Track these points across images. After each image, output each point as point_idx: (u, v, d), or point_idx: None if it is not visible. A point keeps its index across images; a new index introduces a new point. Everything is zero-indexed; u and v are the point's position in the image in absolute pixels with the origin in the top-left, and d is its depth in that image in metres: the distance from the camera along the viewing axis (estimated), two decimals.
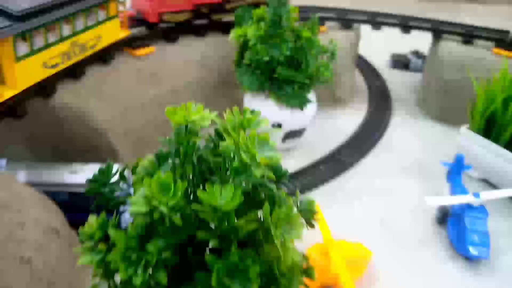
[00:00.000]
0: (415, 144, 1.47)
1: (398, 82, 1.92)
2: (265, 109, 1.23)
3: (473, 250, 0.96)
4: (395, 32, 1.70)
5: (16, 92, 0.89)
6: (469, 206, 1.02)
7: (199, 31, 1.41)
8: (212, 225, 0.45)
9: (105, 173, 0.55)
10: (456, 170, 1.15)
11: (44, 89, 1.00)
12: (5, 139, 1.01)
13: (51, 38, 0.95)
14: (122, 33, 1.19)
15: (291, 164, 1.25)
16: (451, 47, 1.57)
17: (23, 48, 0.88)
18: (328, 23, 1.61)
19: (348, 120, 1.58)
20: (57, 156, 1.05)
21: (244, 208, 0.45)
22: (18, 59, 0.87)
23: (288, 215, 0.45)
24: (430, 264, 0.99)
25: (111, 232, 0.46)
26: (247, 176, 0.45)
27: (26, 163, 0.96)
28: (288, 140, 1.31)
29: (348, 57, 1.64)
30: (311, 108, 1.27)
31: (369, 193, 1.20)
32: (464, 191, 1.09)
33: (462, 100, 1.54)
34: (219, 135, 0.51)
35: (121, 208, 0.54)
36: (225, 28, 1.46)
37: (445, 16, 1.74)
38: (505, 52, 1.50)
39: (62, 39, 0.97)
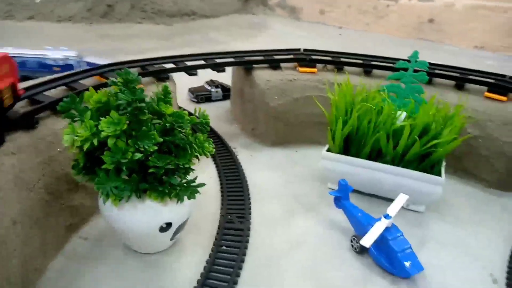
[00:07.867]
0: (273, 177, 1.45)
1: (212, 116, 1.84)
2: (146, 212, 0.94)
3: (410, 269, 1.01)
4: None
5: None
6: (386, 229, 1.06)
7: None
8: None
9: None
10: (344, 195, 1.19)
11: None
12: None
13: None
14: None
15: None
16: (265, 75, 1.60)
17: None
18: (144, 79, 1.38)
19: (202, 174, 1.42)
20: None
21: None
22: None
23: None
24: None
25: None
26: None
27: None
28: (176, 235, 1.06)
29: (175, 107, 1.46)
30: None
31: (287, 250, 1.10)
32: (364, 213, 1.14)
33: (291, 122, 1.62)
34: None
35: None
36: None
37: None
38: (309, 69, 1.64)
39: None
